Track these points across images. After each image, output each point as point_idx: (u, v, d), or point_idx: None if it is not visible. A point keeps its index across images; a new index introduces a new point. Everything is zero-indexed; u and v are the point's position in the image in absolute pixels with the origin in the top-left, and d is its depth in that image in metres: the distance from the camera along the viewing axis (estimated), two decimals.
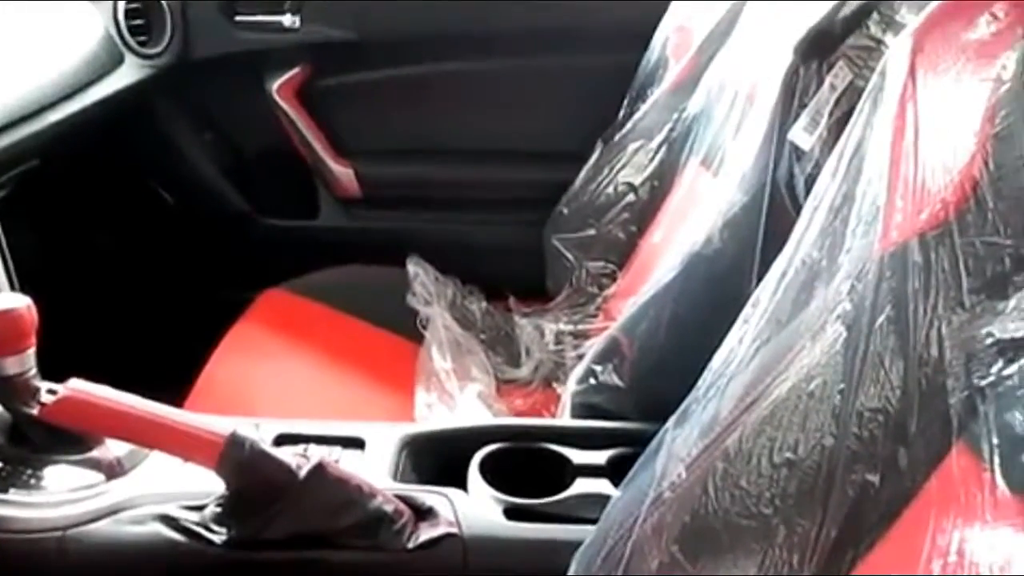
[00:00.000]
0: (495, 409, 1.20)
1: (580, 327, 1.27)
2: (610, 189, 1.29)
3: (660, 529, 0.57)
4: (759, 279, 0.62)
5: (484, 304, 1.39)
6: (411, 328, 1.30)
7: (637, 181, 1.26)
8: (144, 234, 1.53)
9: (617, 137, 1.30)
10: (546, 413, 1.21)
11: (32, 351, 0.77)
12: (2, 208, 0.95)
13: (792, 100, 0.79)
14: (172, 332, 1.39)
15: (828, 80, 0.80)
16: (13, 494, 0.74)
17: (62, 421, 0.71)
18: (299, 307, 1.32)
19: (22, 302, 0.76)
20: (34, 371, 0.77)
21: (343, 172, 1.48)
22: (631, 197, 1.27)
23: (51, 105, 1.08)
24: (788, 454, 0.52)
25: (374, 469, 0.79)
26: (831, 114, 0.77)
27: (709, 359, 0.77)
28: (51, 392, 0.71)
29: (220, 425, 0.69)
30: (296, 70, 1.44)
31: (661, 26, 1.31)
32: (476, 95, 1.48)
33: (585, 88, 1.45)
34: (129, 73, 1.27)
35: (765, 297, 0.58)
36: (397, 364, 1.25)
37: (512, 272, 1.40)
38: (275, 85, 1.43)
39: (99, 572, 0.72)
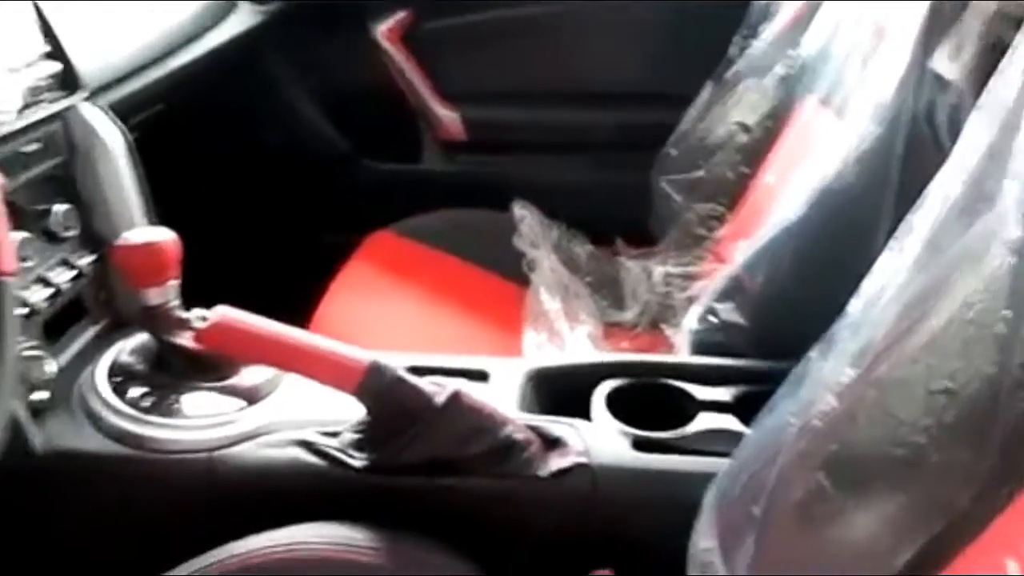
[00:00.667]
0: (604, 351, 1.21)
1: (688, 269, 1.26)
2: (720, 129, 1.27)
3: (807, 457, 0.57)
4: (896, 211, 0.61)
5: (589, 247, 1.39)
6: (516, 271, 1.31)
7: (749, 121, 1.24)
8: (253, 176, 1.57)
9: (727, 76, 1.27)
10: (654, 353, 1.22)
11: (175, 283, 0.80)
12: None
13: (936, 28, 0.76)
14: (281, 271, 1.42)
15: (972, 6, 0.77)
16: (162, 418, 0.78)
17: (214, 345, 0.74)
18: (407, 248, 1.34)
19: (167, 235, 0.79)
20: (176, 302, 0.80)
21: (448, 115, 1.49)
22: (742, 137, 1.25)
23: (174, 51, 1.11)
24: (946, 382, 0.50)
25: (500, 401, 0.80)
26: (977, 41, 0.74)
27: (839, 294, 0.76)
28: (202, 319, 0.74)
29: (359, 353, 0.71)
30: (401, 13, 1.45)
31: None
32: (582, 37, 1.47)
33: (692, 27, 1.42)
34: (243, 19, 1.30)
35: (920, 223, 0.56)
36: (504, 305, 1.26)
37: (617, 215, 1.39)
38: (380, 29, 1.45)
39: (245, 492, 0.75)
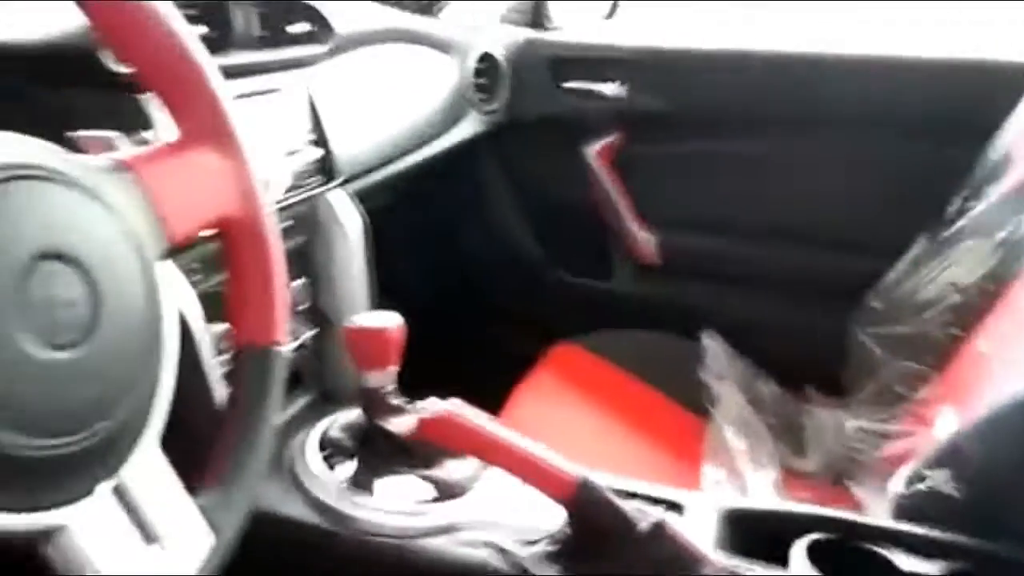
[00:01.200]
0: (783, 498, 1.16)
1: (884, 427, 1.20)
2: (932, 287, 1.23)
3: None
4: None
5: (776, 388, 1.35)
6: (697, 401, 1.29)
7: (965, 282, 1.19)
8: (447, 276, 1.63)
9: (946, 233, 1.23)
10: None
11: (395, 368, 0.83)
12: None
13: None
14: (467, 370, 1.45)
15: None
16: (362, 497, 0.80)
17: (437, 436, 0.76)
18: (591, 364, 1.35)
19: (394, 321, 0.82)
20: (393, 387, 0.83)
21: (644, 238, 1.51)
22: (956, 298, 1.20)
23: (411, 150, 1.19)
24: None
25: (695, 536, 0.78)
26: None
27: None
28: (428, 408, 0.76)
29: (571, 466, 0.71)
30: (614, 136, 1.50)
31: (1011, 123, 1.24)
32: (787, 175, 1.46)
33: (905, 177, 1.39)
34: (469, 126, 1.38)
35: None
36: (682, 435, 1.24)
37: (808, 359, 1.35)
38: (592, 148, 1.50)
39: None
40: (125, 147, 0.61)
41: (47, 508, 0.43)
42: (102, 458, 0.45)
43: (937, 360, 1.20)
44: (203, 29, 0.77)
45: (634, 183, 1.51)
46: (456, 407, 0.74)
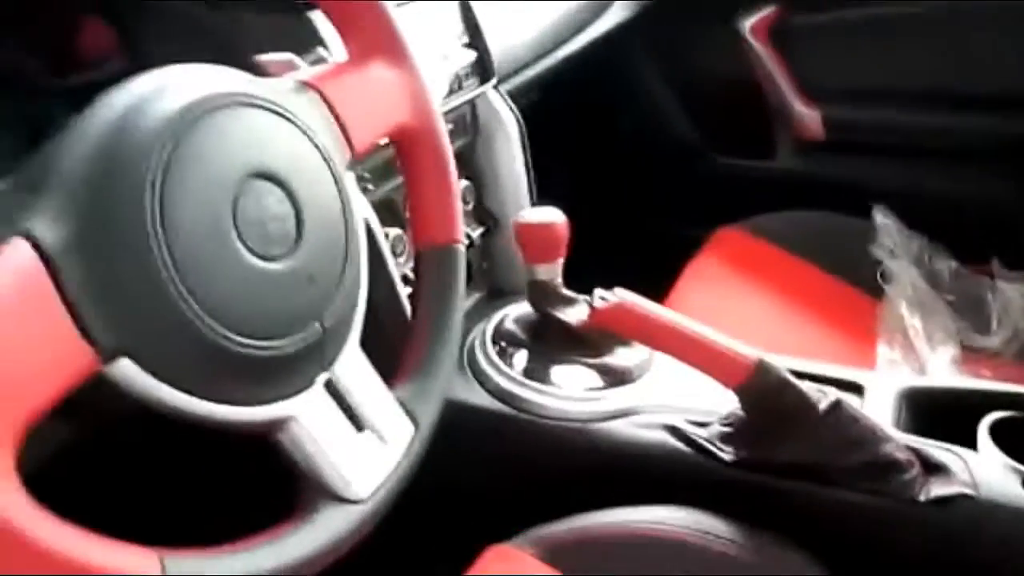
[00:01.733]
0: (964, 376, 1.12)
1: None
2: None
3: None
4: None
5: (954, 264, 1.29)
6: (870, 280, 1.25)
7: None
8: (609, 164, 1.63)
9: None
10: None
11: (561, 261, 0.85)
12: None
13: None
14: (630, 258, 1.46)
15: None
16: (540, 385, 0.84)
17: (610, 325, 0.78)
18: (756, 247, 1.32)
19: (559, 217, 0.84)
20: (560, 279, 0.86)
21: (808, 114, 1.45)
22: None
23: (561, 43, 1.18)
24: None
25: (875, 417, 0.77)
26: None
27: None
28: (602, 299, 0.78)
29: (746, 350, 0.72)
30: (770, 8, 1.43)
31: None
32: (956, 36, 1.35)
33: None
34: (617, 12, 1.35)
35: None
36: (854, 314, 1.21)
37: (988, 232, 1.28)
38: (747, 24, 1.43)
39: (613, 465, 0.79)
40: (303, 67, 0.65)
41: (274, 401, 0.48)
42: (316, 355, 0.50)
43: None
44: None
45: (793, 56, 1.44)
46: (627, 296, 0.76)
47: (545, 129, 1.46)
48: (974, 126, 1.37)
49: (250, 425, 0.48)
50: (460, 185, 0.95)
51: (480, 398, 0.84)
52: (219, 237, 0.44)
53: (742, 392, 0.72)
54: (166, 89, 0.45)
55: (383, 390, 0.55)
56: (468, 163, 1.00)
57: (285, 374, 0.49)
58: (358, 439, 0.53)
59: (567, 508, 0.76)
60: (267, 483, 0.52)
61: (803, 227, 1.35)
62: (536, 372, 0.86)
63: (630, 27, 1.41)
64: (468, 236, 0.98)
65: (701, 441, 0.76)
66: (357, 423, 0.53)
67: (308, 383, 0.50)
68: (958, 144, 1.38)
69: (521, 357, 0.88)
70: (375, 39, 0.58)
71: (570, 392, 0.83)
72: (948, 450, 0.73)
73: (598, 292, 0.78)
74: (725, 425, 0.76)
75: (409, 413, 0.56)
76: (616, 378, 0.84)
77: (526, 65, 1.09)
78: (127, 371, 0.42)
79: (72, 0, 0.68)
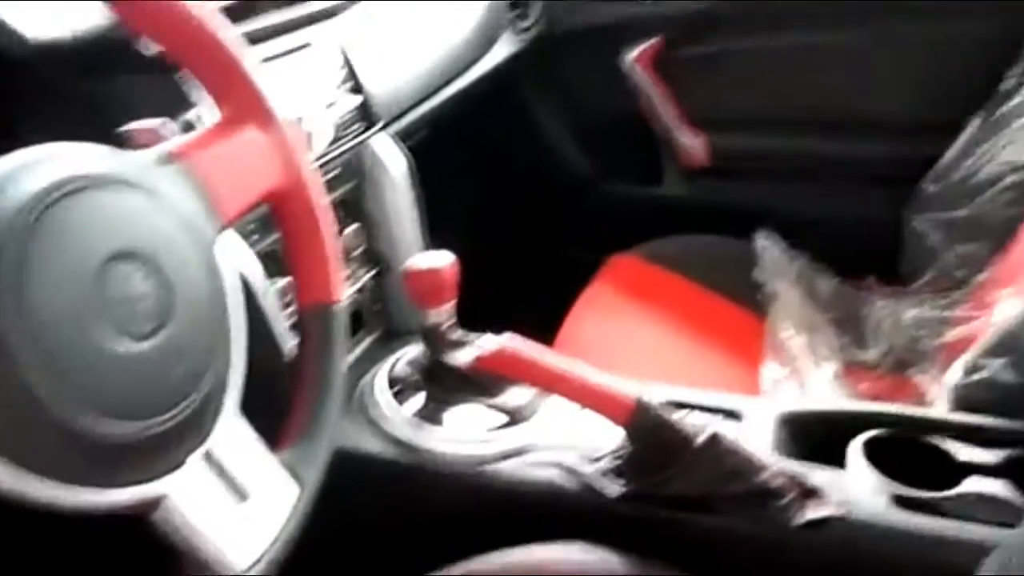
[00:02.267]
0: (844, 392, 1.18)
1: (944, 314, 1.20)
2: (988, 167, 1.20)
3: None
4: None
5: (834, 281, 1.36)
6: (755, 301, 1.30)
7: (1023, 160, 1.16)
8: (499, 197, 1.65)
9: (1002, 110, 1.20)
10: (896, 400, 1.17)
11: (452, 304, 0.86)
12: None
13: None
14: (526, 288, 1.49)
15: None
16: (434, 428, 0.85)
17: (493, 369, 0.80)
18: (647, 272, 1.37)
19: (447, 260, 0.85)
20: (452, 322, 0.87)
21: (693, 141, 1.50)
22: (1014, 177, 1.17)
23: (449, 81, 1.20)
24: None
25: (754, 442, 0.81)
26: None
27: None
28: (486, 343, 0.80)
29: (627, 387, 0.74)
30: (653, 40, 1.48)
31: None
32: (832, 65, 1.43)
33: (954, 57, 1.35)
34: (505, 47, 1.37)
35: None
36: (742, 336, 1.26)
37: (863, 250, 1.35)
38: (631, 55, 1.48)
39: (506, 505, 0.80)
40: (172, 130, 0.64)
41: (147, 481, 0.48)
42: (191, 430, 0.50)
43: (996, 243, 1.18)
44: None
45: (678, 86, 1.50)
46: (510, 340, 0.78)
47: (439, 166, 1.48)
48: (850, 150, 1.45)
49: (120, 508, 0.47)
50: (349, 229, 0.97)
51: (373, 444, 0.85)
52: (81, 321, 0.44)
53: (628, 429, 0.74)
54: (19, 174, 0.44)
55: (265, 456, 0.55)
56: (357, 207, 1.00)
57: (158, 452, 0.48)
58: (239, 509, 0.53)
59: (465, 550, 0.77)
60: (149, 562, 0.51)
61: (692, 252, 1.40)
62: (430, 415, 0.86)
63: (518, 61, 1.43)
64: (359, 280, 0.98)
65: (591, 477, 0.78)
66: (238, 492, 0.53)
67: (183, 458, 0.50)
68: (835, 167, 1.45)
69: (415, 400, 0.88)
70: (244, 104, 0.58)
71: (463, 434, 0.84)
72: (823, 472, 0.77)
73: (483, 338, 0.79)
74: (615, 460, 0.78)
75: (294, 475, 0.57)
76: (510, 417, 0.86)
77: (413, 105, 1.10)
78: None
79: None
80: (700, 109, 1.50)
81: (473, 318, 0.91)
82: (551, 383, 0.77)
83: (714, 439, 0.73)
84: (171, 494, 0.49)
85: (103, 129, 0.56)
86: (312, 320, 0.62)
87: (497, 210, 1.64)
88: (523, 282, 1.53)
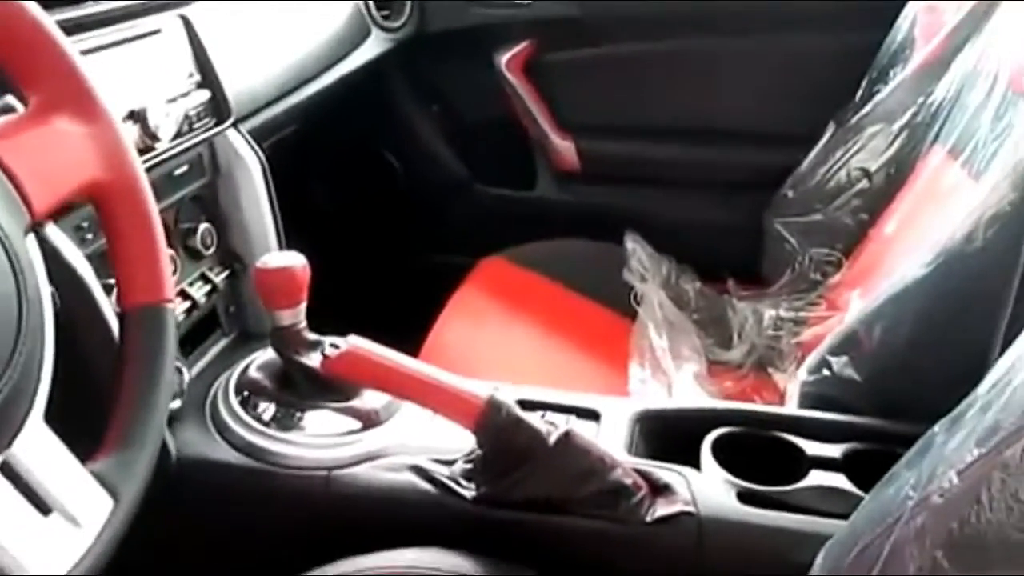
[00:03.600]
0: (707, 390, 1.20)
1: (800, 314, 1.25)
2: (841, 173, 1.26)
3: (924, 533, 0.56)
4: None
5: (699, 284, 1.39)
6: (624, 303, 1.32)
7: (872, 167, 1.22)
8: (372, 198, 1.62)
9: (853, 120, 1.25)
10: (758, 398, 1.21)
11: (303, 305, 0.84)
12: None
13: None
14: (395, 291, 1.47)
15: None
16: (284, 434, 0.82)
17: (341, 373, 0.77)
18: (517, 276, 1.37)
19: (298, 260, 0.83)
20: (303, 323, 0.84)
21: (564, 146, 1.52)
22: (864, 183, 1.23)
23: (310, 79, 1.17)
24: None
25: (609, 442, 0.81)
26: None
27: (958, 360, 0.74)
28: (334, 346, 0.77)
29: (477, 388, 0.73)
30: (524, 44, 1.48)
31: (908, 5, 1.25)
32: (698, 74, 1.47)
33: (812, 68, 1.41)
34: (373, 47, 1.35)
35: None
36: (610, 338, 1.28)
37: (728, 253, 1.39)
38: (503, 59, 1.48)
39: (358, 511, 0.78)
40: None
41: None
42: None
43: (848, 246, 1.24)
44: None
45: (549, 91, 1.51)
46: (355, 344, 0.76)
47: (304, 164, 1.45)
48: (713, 156, 1.49)
49: None
50: (202, 227, 0.93)
51: (221, 452, 0.81)
52: None
53: (478, 431, 0.73)
54: None
55: (74, 466, 0.52)
56: (210, 205, 0.96)
57: None
58: (43, 523, 0.49)
59: (317, 559, 0.74)
60: None
61: (562, 255, 1.41)
62: (282, 421, 0.83)
63: (390, 60, 1.41)
64: (210, 280, 0.94)
65: (444, 480, 0.77)
66: (41, 504, 0.49)
67: None
68: (699, 173, 1.49)
69: (267, 406, 0.85)
70: (59, 92, 0.54)
71: (314, 439, 0.81)
72: (673, 470, 0.78)
73: (329, 340, 0.77)
74: (468, 462, 0.77)
75: (108, 488, 0.53)
76: (364, 421, 0.84)
77: (272, 102, 1.06)
78: None
79: None
80: (570, 114, 1.52)
81: (338, 322, 0.88)
82: (398, 386, 0.75)
83: (566, 439, 0.73)
84: None
85: None
86: (137, 320, 0.58)
87: (367, 211, 1.62)
88: (395, 286, 1.51)
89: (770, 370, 1.25)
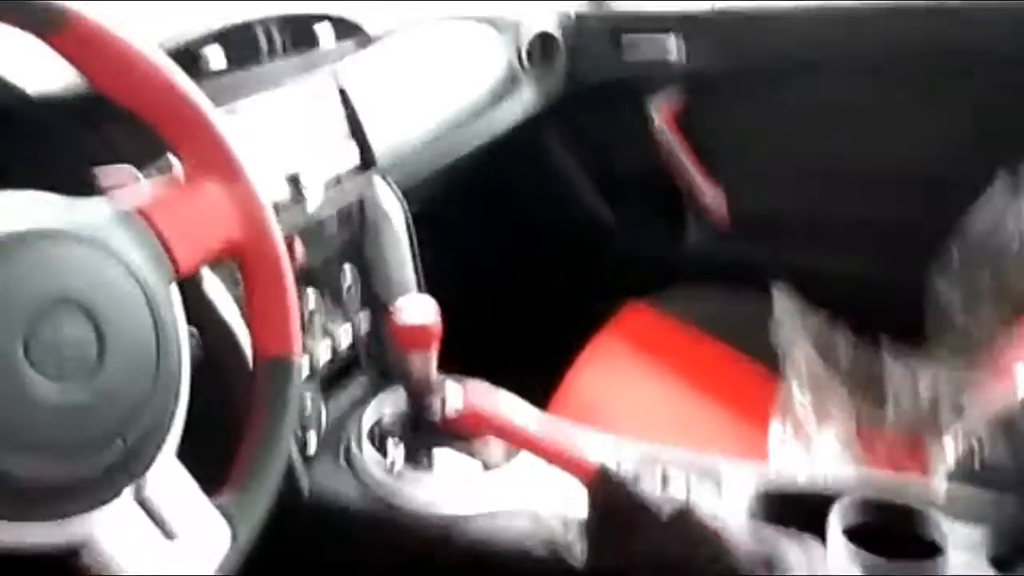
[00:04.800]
0: (853, 454, 1.14)
1: (961, 381, 1.16)
2: (1013, 227, 1.17)
3: None
4: None
5: (851, 341, 1.32)
6: (770, 358, 1.28)
7: None
8: (520, 245, 1.66)
9: None
10: (909, 464, 1.14)
11: (434, 352, 0.87)
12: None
13: None
14: (535, 333, 1.49)
15: None
16: (410, 474, 0.85)
17: (463, 431, 0.80)
18: (659, 323, 1.35)
19: (431, 308, 0.86)
20: (434, 368, 0.87)
21: (713, 195, 1.49)
22: None
23: (459, 129, 1.21)
24: None
25: (729, 507, 0.79)
26: None
27: None
28: (454, 391, 0.80)
29: (593, 446, 0.74)
30: (676, 95, 1.48)
31: None
32: (854, 123, 1.40)
33: (982, 114, 1.31)
34: (525, 99, 1.38)
35: None
36: (753, 392, 1.24)
37: (884, 310, 1.31)
38: (655, 109, 1.48)
39: (475, 562, 0.80)
40: (150, 175, 0.66)
41: (74, 518, 0.49)
42: (121, 471, 0.51)
43: (1018, 309, 1.15)
44: (222, 51, 0.81)
45: (701, 141, 1.49)
46: (477, 392, 0.78)
47: (450, 212, 1.49)
48: (871, 208, 1.42)
49: (46, 546, 0.48)
50: (346, 268, 0.98)
51: (347, 489, 0.85)
52: (6, 365, 0.45)
53: (591, 494, 0.73)
54: None
55: (200, 500, 0.56)
56: (355, 250, 1.01)
57: (86, 491, 0.49)
58: (168, 550, 0.53)
59: None
60: None
61: (707, 304, 1.39)
62: (408, 463, 0.87)
63: (541, 114, 1.44)
64: (352, 322, 1.00)
65: (559, 539, 0.77)
66: (167, 532, 0.54)
67: (110, 498, 0.51)
68: (856, 225, 1.42)
69: (395, 447, 0.89)
70: (205, 158, 0.60)
71: (438, 485, 0.84)
72: (796, 541, 0.75)
73: (453, 384, 0.79)
74: (583, 521, 0.77)
75: (229, 523, 0.57)
76: (486, 466, 0.85)
77: (419, 153, 1.11)
78: None
79: None
80: (721, 164, 1.49)
81: (474, 360, 0.91)
82: (517, 439, 0.77)
83: (684, 511, 0.72)
84: (96, 532, 0.50)
85: (75, 171, 0.59)
86: (266, 371, 0.63)
87: (512, 253, 1.65)
88: (533, 327, 1.53)
89: (923, 437, 1.17)
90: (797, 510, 0.81)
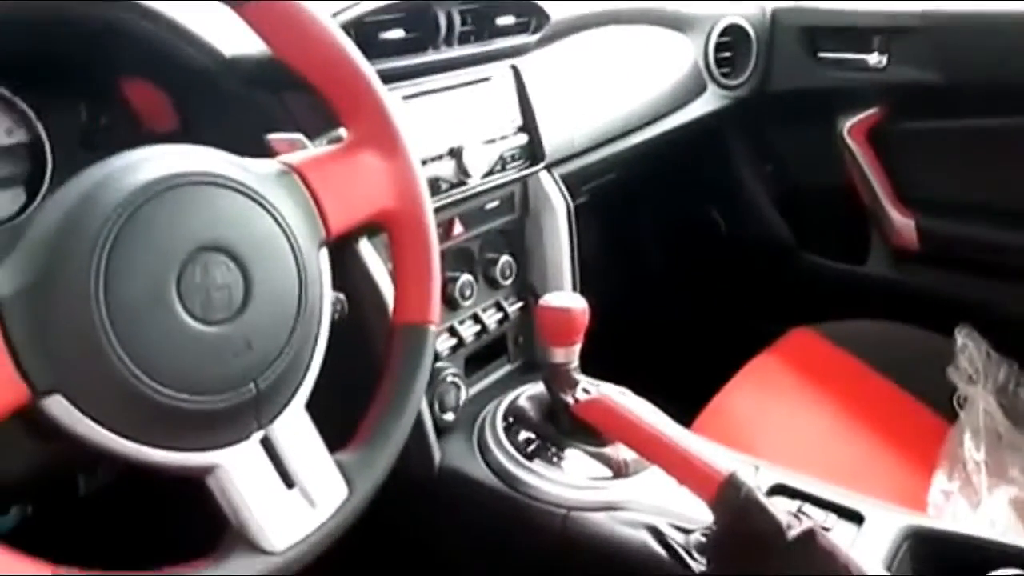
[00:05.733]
0: (1020, 520, 1.04)
1: None
2: None
3: None
4: None
5: None
6: (944, 403, 1.19)
7: None
8: (690, 253, 1.62)
9: None
10: None
11: (578, 347, 0.87)
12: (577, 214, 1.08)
13: None
14: (699, 349, 1.45)
15: None
16: (538, 465, 0.85)
17: (587, 419, 0.79)
18: (825, 351, 1.29)
19: (579, 303, 0.86)
20: (576, 364, 0.87)
21: (903, 222, 1.40)
22: None
23: (637, 128, 1.20)
24: None
25: (867, 551, 0.74)
26: None
27: None
28: (586, 391, 0.79)
29: (722, 461, 0.71)
30: (872, 110, 1.40)
31: None
32: None
33: None
34: (708, 102, 1.35)
35: None
36: (918, 438, 1.15)
37: None
38: (847, 124, 1.40)
39: (589, 556, 0.79)
40: (319, 144, 0.70)
41: (202, 450, 0.53)
42: (248, 414, 0.54)
43: None
44: (403, 32, 0.84)
45: (893, 162, 1.40)
46: (608, 393, 0.77)
47: (621, 211, 1.48)
48: None
49: (176, 468, 0.52)
50: (502, 259, 1.00)
51: (478, 470, 0.86)
52: (158, 300, 0.49)
53: (714, 506, 0.70)
54: (138, 165, 0.51)
55: (322, 453, 0.58)
56: (514, 239, 1.03)
57: (214, 427, 0.53)
58: (286, 495, 0.56)
59: None
60: (200, 521, 0.56)
61: (879, 337, 1.30)
62: (537, 453, 0.87)
63: (725, 116, 1.41)
64: (504, 309, 1.01)
65: (678, 548, 0.75)
66: (287, 480, 0.56)
67: (240, 437, 0.54)
68: None
69: (527, 436, 0.89)
70: (369, 130, 0.63)
71: (563, 478, 0.83)
72: None
73: (584, 381, 0.79)
74: (704, 535, 0.75)
75: (347, 478, 0.59)
76: (614, 470, 0.84)
77: (589, 150, 1.11)
78: (58, 407, 0.48)
79: (123, 62, 0.76)
80: (914, 188, 1.39)
81: (631, 370, 0.90)
82: (638, 443, 0.75)
83: (809, 536, 0.68)
84: (224, 465, 0.53)
85: (254, 135, 0.63)
86: (401, 336, 0.65)
87: (681, 264, 1.61)
88: (694, 342, 1.49)
89: None
90: (942, 567, 0.75)
